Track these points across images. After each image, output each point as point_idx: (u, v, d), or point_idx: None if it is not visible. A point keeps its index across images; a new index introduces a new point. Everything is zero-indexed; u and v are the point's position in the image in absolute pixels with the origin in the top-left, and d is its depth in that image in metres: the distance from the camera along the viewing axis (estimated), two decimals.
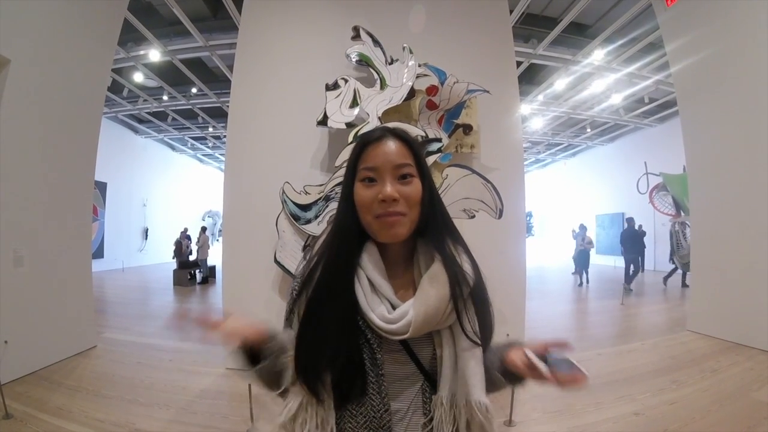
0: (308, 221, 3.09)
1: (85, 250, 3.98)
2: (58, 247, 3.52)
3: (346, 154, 2.93)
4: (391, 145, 0.68)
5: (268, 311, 3.04)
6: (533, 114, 9.64)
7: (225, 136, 6.15)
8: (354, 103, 3.08)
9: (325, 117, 3.04)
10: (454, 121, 3.20)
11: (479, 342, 0.65)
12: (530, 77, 7.84)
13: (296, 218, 3.10)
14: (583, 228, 9.23)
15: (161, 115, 10.37)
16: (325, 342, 0.63)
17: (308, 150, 3.36)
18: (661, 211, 9.07)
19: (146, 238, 12.86)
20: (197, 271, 9.08)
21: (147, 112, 9.87)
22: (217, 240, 14.71)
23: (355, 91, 3.11)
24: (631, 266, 7.72)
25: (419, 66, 3.08)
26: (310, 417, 0.62)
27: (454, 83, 3.07)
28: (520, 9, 5.25)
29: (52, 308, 3.39)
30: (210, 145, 13.27)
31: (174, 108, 9.40)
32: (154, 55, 6.44)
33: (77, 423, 2.36)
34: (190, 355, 3.73)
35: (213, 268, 9.34)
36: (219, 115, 9.70)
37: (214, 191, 13.79)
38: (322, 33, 3.49)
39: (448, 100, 3.10)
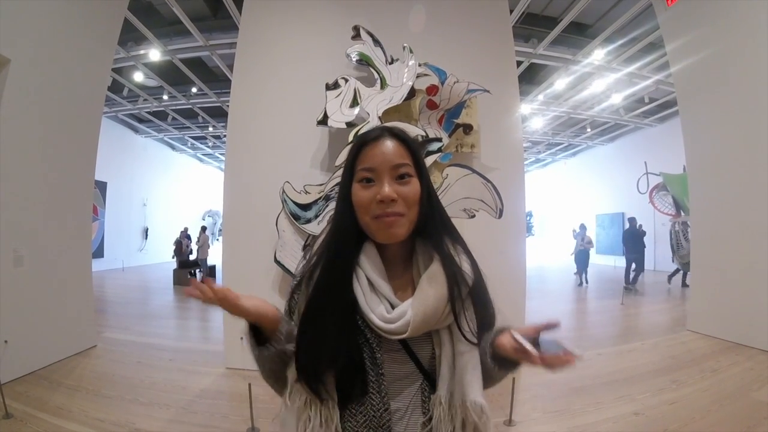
0: (308, 221, 3.09)
1: (85, 249, 3.98)
2: (58, 247, 3.51)
3: (346, 153, 2.92)
4: (389, 145, 0.67)
5: None
6: (533, 114, 9.63)
7: (225, 136, 6.15)
8: (354, 103, 3.08)
9: (326, 116, 3.04)
10: (455, 120, 3.20)
11: (477, 343, 0.65)
12: (530, 77, 7.84)
13: (296, 218, 3.10)
14: (582, 228, 9.23)
15: (161, 115, 10.37)
16: (325, 342, 0.63)
17: (308, 149, 3.36)
18: (661, 211, 9.07)
19: (146, 238, 12.85)
20: (197, 270, 9.09)
21: (147, 112, 9.87)
22: (217, 239, 14.72)
23: (355, 90, 3.11)
24: (633, 265, 7.72)
25: (419, 65, 3.09)
26: (314, 415, 0.62)
27: (455, 83, 3.07)
28: (521, 9, 5.24)
29: (52, 308, 3.39)
30: (210, 144, 13.27)
31: (174, 107, 9.40)
32: (154, 54, 6.44)
33: (77, 422, 2.36)
34: (190, 355, 3.74)
35: (213, 268, 9.34)
36: (219, 114, 9.70)
37: (214, 191, 13.80)
38: (322, 33, 3.49)
39: (448, 99, 3.10)
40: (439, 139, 3.12)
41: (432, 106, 3.13)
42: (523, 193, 3.60)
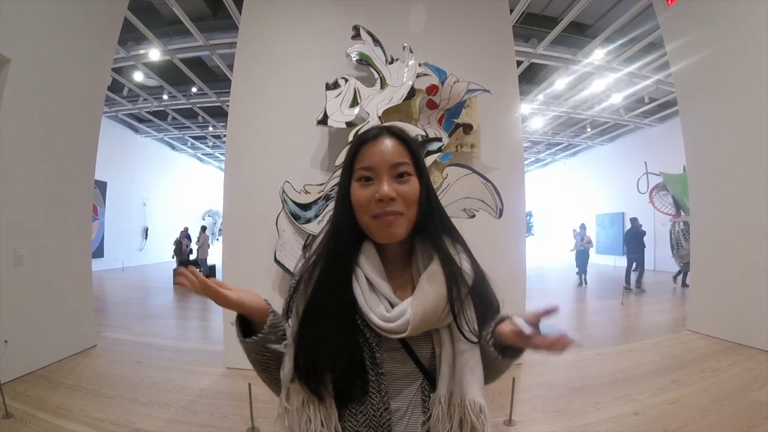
0: (308, 220, 3.09)
1: (85, 249, 3.98)
2: (58, 247, 3.51)
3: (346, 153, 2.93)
4: (388, 144, 0.67)
5: None
6: (533, 113, 9.63)
7: (225, 136, 6.15)
8: (354, 103, 3.08)
9: (325, 116, 3.04)
10: (455, 120, 3.20)
11: (477, 342, 0.65)
12: (530, 77, 7.83)
13: (296, 217, 3.10)
14: (582, 228, 9.24)
15: (161, 115, 10.37)
16: (325, 343, 0.63)
17: (308, 149, 3.36)
18: (661, 211, 9.08)
19: (146, 238, 12.86)
20: (197, 270, 9.08)
21: (147, 112, 9.88)
22: (217, 239, 14.72)
23: (355, 90, 3.11)
24: (634, 265, 7.73)
25: (419, 65, 3.08)
26: (313, 415, 0.62)
27: (455, 82, 3.07)
28: (521, 8, 5.24)
29: (52, 308, 3.39)
30: (210, 144, 13.27)
31: (174, 107, 9.40)
32: (154, 54, 6.44)
33: (77, 422, 2.36)
34: (190, 355, 3.74)
35: (213, 268, 9.35)
36: (219, 114, 9.70)
37: (214, 190, 13.79)
38: (322, 32, 3.49)
39: (448, 99, 3.10)
40: (439, 139, 3.12)
41: (432, 105, 3.13)
42: (523, 193, 3.60)
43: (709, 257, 4.36)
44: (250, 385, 2.27)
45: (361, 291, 0.65)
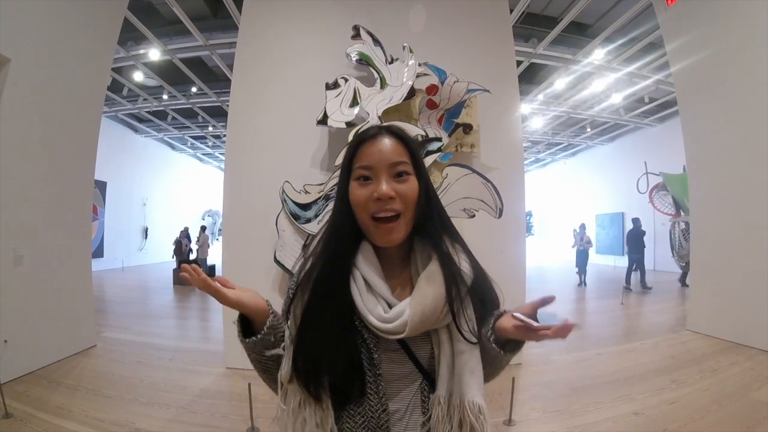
0: (308, 220, 3.09)
1: (84, 249, 3.98)
2: (58, 247, 3.51)
3: None
4: (387, 143, 0.67)
5: None
6: (533, 113, 9.63)
7: (225, 135, 6.15)
8: (354, 103, 3.08)
9: (325, 116, 3.04)
10: (454, 120, 3.20)
11: (476, 342, 0.64)
12: (530, 77, 7.83)
13: (296, 217, 3.10)
14: (582, 227, 9.24)
15: (161, 115, 10.36)
16: (323, 344, 0.63)
17: (308, 149, 3.35)
18: (661, 211, 9.09)
19: (146, 238, 12.86)
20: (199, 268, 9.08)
21: (147, 111, 9.88)
22: (217, 239, 14.72)
23: (355, 90, 3.11)
24: (634, 266, 7.73)
25: (419, 65, 3.08)
26: (309, 416, 0.62)
27: (455, 82, 3.06)
28: (521, 8, 5.24)
29: (52, 307, 3.39)
30: (210, 144, 13.27)
31: (174, 107, 9.40)
32: (154, 54, 6.43)
33: (77, 422, 2.36)
34: (190, 355, 3.74)
35: (213, 268, 9.35)
36: (219, 114, 9.69)
37: (214, 190, 13.78)
38: (322, 32, 3.49)
39: (448, 99, 3.10)
40: (439, 139, 3.12)
41: (432, 105, 3.13)
42: (522, 193, 3.60)
43: (709, 257, 4.36)
44: (249, 385, 2.27)
45: (358, 292, 0.65)
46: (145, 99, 8.89)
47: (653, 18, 4.95)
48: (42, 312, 3.28)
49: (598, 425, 2.37)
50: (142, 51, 6.46)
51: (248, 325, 0.68)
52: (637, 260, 7.76)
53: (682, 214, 8.22)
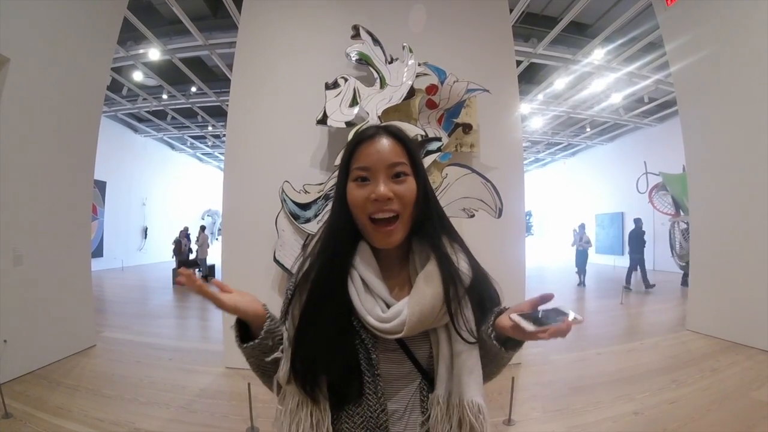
0: (308, 220, 3.09)
1: (84, 249, 3.98)
2: (58, 247, 3.51)
3: None
4: (385, 143, 0.67)
5: None
6: (533, 113, 9.63)
7: (224, 135, 6.14)
8: (354, 102, 3.08)
9: (325, 116, 3.04)
10: (454, 120, 3.20)
11: (474, 341, 0.64)
12: (530, 76, 7.83)
13: (296, 217, 3.09)
14: (582, 227, 9.24)
15: (161, 114, 10.35)
16: (321, 345, 0.62)
17: (308, 149, 3.35)
18: (660, 211, 9.09)
19: (145, 237, 12.85)
20: (197, 270, 9.09)
21: (146, 111, 9.86)
22: (217, 239, 14.72)
23: (354, 90, 3.11)
24: (637, 266, 7.73)
25: (419, 65, 3.08)
26: (305, 417, 0.62)
27: (454, 82, 3.06)
28: (520, 8, 5.24)
29: (52, 307, 3.39)
30: (209, 144, 13.26)
31: (173, 107, 9.38)
32: (154, 54, 6.43)
33: (77, 422, 2.36)
34: (189, 354, 3.74)
35: (212, 267, 9.35)
36: (218, 114, 9.69)
37: (214, 190, 13.77)
38: (321, 32, 3.49)
39: (447, 99, 3.10)
40: (439, 139, 3.12)
41: (431, 105, 3.13)
42: (522, 193, 3.60)
43: (709, 257, 4.36)
44: (249, 384, 2.27)
45: (356, 292, 0.65)
46: (144, 99, 8.88)
47: (653, 18, 4.95)
48: (41, 312, 3.27)
49: (597, 425, 2.37)
50: (141, 51, 6.45)
51: (246, 329, 0.68)
52: (640, 260, 7.77)
53: (682, 213, 8.23)
